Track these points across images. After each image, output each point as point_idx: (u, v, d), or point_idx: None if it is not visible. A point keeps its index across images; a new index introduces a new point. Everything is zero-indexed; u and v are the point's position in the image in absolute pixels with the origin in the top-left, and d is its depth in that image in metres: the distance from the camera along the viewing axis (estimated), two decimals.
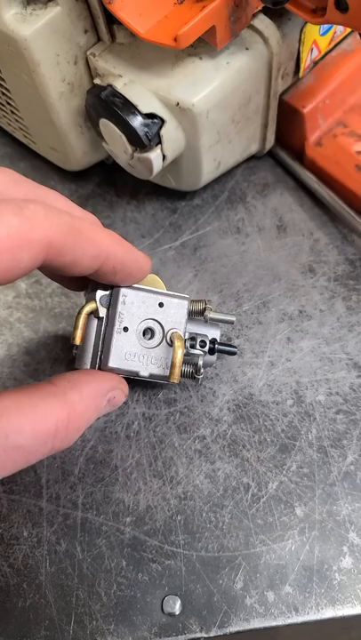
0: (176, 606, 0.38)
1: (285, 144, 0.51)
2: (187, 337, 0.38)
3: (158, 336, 0.37)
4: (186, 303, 0.38)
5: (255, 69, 0.42)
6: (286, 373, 0.44)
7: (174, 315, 0.37)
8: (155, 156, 0.41)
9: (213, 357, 0.40)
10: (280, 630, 0.38)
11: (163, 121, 0.40)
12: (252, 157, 0.51)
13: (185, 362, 0.39)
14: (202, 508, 0.41)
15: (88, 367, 0.37)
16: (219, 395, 0.44)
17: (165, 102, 0.40)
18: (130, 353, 0.36)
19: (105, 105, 0.40)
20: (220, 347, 0.41)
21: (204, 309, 0.40)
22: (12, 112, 0.47)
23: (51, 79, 0.40)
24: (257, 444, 0.42)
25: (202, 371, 0.38)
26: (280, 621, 0.38)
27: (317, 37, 0.44)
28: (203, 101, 0.39)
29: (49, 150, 0.50)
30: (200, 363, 0.38)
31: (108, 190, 0.52)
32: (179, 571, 0.39)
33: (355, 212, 0.47)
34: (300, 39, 0.43)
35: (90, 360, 0.37)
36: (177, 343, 0.35)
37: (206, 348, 0.39)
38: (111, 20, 0.39)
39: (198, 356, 0.38)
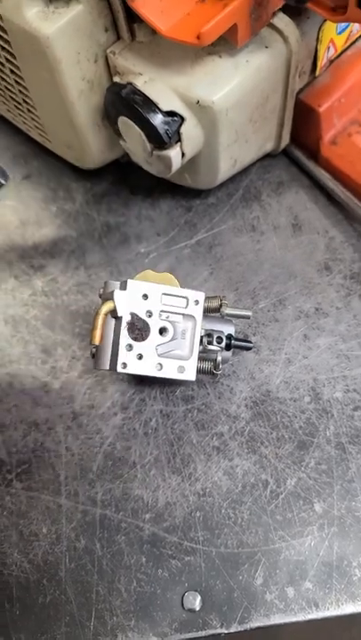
0: (196, 602, 0.38)
1: (300, 142, 0.51)
2: (203, 334, 0.39)
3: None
4: (202, 297, 0.38)
5: (274, 68, 0.42)
6: (303, 370, 0.44)
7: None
8: (174, 153, 0.41)
9: (229, 353, 0.41)
10: (282, 628, 0.38)
11: (182, 119, 0.40)
12: (267, 156, 0.51)
13: (203, 358, 0.39)
14: (221, 504, 0.41)
15: (107, 367, 0.37)
16: (236, 392, 0.44)
17: (185, 100, 0.40)
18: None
19: (125, 103, 0.40)
20: (236, 342, 0.41)
21: (220, 306, 0.40)
22: (29, 110, 0.47)
23: (71, 77, 0.40)
24: (275, 440, 0.42)
25: (220, 367, 0.39)
26: (300, 617, 0.38)
27: (334, 36, 0.44)
28: (223, 99, 0.39)
29: (64, 148, 0.50)
30: (219, 359, 0.39)
31: (123, 188, 0.52)
32: (198, 567, 0.39)
33: None
34: (317, 38, 0.43)
35: (109, 360, 0.37)
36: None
37: (223, 344, 0.40)
38: (132, 18, 0.39)
39: (216, 351, 0.39)
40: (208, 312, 0.40)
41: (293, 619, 0.38)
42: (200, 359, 0.39)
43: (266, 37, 0.41)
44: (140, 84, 0.40)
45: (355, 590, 0.38)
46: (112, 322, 0.37)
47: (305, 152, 0.51)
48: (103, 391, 0.44)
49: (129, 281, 0.37)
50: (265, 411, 0.43)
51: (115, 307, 0.36)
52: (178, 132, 0.40)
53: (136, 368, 0.36)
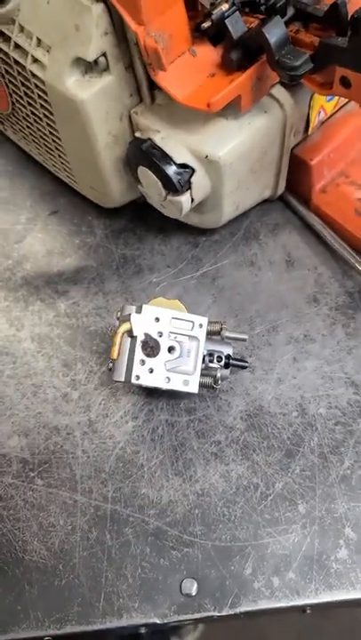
0: (193, 588, 0.43)
1: (294, 190, 0.58)
2: (205, 353, 0.45)
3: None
4: (205, 321, 0.44)
5: (272, 128, 0.48)
6: (292, 389, 0.50)
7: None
8: (185, 199, 0.47)
9: (227, 371, 0.47)
10: (271, 619, 0.43)
11: (193, 170, 0.46)
12: (266, 201, 0.58)
13: (204, 374, 0.45)
14: (217, 503, 0.46)
15: (123, 379, 0.43)
16: (233, 406, 0.49)
17: (196, 155, 0.46)
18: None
19: (145, 155, 0.46)
20: (234, 361, 0.47)
21: (221, 329, 0.46)
22: (60, 156, 0.54)
23: (99, 133, 0.47)
24: (266, 449, 0.47)
25: (220, 382, 0.45)
26: (283, 603, 0.42)
27: (324, 103, 0.51)
28: (228, 155, 0.46)
29: (89, 189, 0.56)
30: (218, 375, 0.45)
31: (139, 225, 0.59)
32: (196, 557, 0.44)
33: (354, 251, 0.54)
34: (309, 104, 0.50)
35: (124, 373, 0.43)
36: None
37: (222, 363, 0.46)
38: (152, 85, 0.46)
39: (216, 369, 0.45)
40: (210, 334, 0.46)
41: (277, 604, 0.42)
42: (202, 375, 0.45)
43: (265, 104, 0.48)
44: (157, 139, 0.46)
45: (332, 581, 0.43)
46: (128, 340, 0.44)
47: (298, 198, 0.58)
48: (117, 402, 0.50)
49: (144, 306, 0.43)
50: (258, 423, 0.48)
51: (131, 327, 0.42)
52: (189, 181, 0.47)
53: (147, 380, 0.42)
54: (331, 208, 0.56)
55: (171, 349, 0.44)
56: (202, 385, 0.45)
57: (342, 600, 0.42)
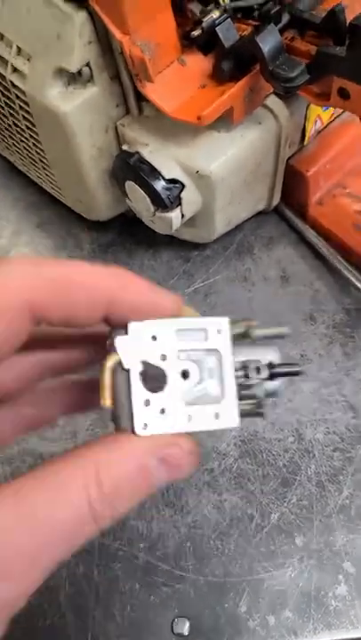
0: (185, 628, 0.41)
1: (290, 202, 0.55)
2: (237, 367, 0.31)
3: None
4: (226, 323, 0.30)
5: (266, 141, 0.46)
6: (288, 412, 0.48)
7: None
8: (175, 215, 0.45)
9: (277, 383, 0.31)
10: None
11: (183, 185, 0.44)
12: (260, 213, 0.55)
13: (243, 397, 0.31)
14: (210, 535, 0.44)
15: (129, 427, 0.29)
16: (226, 431, 0.47)
17: (186, 169, 0.44)
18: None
19: (132, 169, 0.44)
20: (280, 369, 0.32)
21: (248, 329, 0.31)
22: (44, 167, 0.52)
23: (84, 145, 0.44)
24: (261, 477, 0.45)
25: (266, 403, 0.31)
26: None
27: (320, 113, 0.49)
28: (219, 169, 0.44)
29: (75, 202, 0.54)
30: (260, 394, 0.30)
31: (128, 239, 0.56)
32: (188, 594, 0.42)
33: (352, 266, 0.52)
34: (305, 115, 0.48)
35: (130, 421, 0.29)
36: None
37: (264, 374, 0.31)
38: (139, 96, 0.43)
39: (257, 385, 0.31)
40: (236, 339, 0.32)
41: None
42: (242, 398, 0.31)
43: (259, 115, 0.45)
44: (145, 153, 0.44)
45: (330, 620, 0.41)
46: (124, 376, 0.30)
47: (294, 211, 0.55)
48: (105, 427, 0.47)
49: (131, 324, 0.30)
50: (252, 449, 0.46)
51: (120, 358, 0.30)
52: (178, 197, 0.44)
53: (160, 426, 0.28)
54: (328, 220, 0.54)
55: (185, 375, 0.31)
56: (243, 414, 0.31)
57: None
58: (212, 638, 0.41)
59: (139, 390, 0.29)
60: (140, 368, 0.29)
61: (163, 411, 0.28)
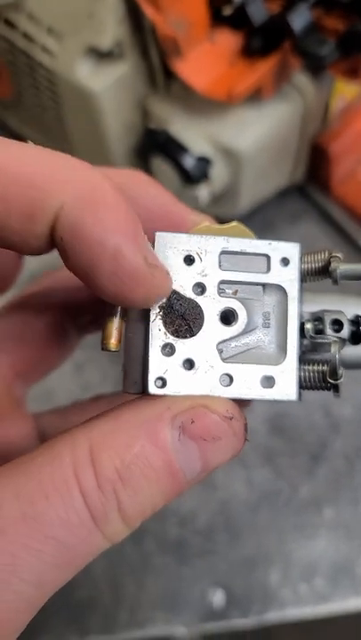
0: (219, 597, 0.44)
1: (313, 179, 0.58)
2: (306, 318, 0.24)
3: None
4: (296, 252, 0.23)
5: (292, 117, 0.48)
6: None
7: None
8: (202, 191, 0.48)
9: (358, 349, 0.24)
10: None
11: (211, 162, 0.46)
12: (283, 190, 0.58)
13: (308, 361, 0.23)
14: (240, 510, 0.47)
15: (136, 389, 0.23)
16: (254, 408, 0.50)
17: (215, 146, 0.46)
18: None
19: (160, 147, 0.46)
20: None
21: (329, 262, 0.23)
22: (68, 145, 0.54)
23: (112, 124, 0.47)
24: (289, 453, 0.48)
25: (340, 372, 0.22)
26: (310, 610, 0.44)
27: (345, 90, 0.51)
28: (248, 145, 0.46)
29: None
30: (337, 357, 0.22)
31: None
32: (220, 566, 0.45)
33: None
34: (330, 91, 0.50)
35: (140, 376, 0.23)
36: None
37: (345, 332, 0.23)
38: (169, 74, 0.46)
39: (331, 344, 0.23)
40: (310, 277, 0.24)
41: (305, 612, 0.44)
42: (308, 363, 0.23)
43: (287, 92, 0.48)
44: (174, 130, 0.46)
45: (358, 587, 0.44)
46: (139, 314, 0.23)
47: (317, 187, 0.58)
48: None
49: (157, 234, 0.22)
50: (281, 425, 0.49)
51: None
52: (207, 173, 0.47)
53: (184, 384, 0.21)
54: (350, 197, 0.56)
55: (228, 317, 0.23)
56: (306, 384, 0.23)
57: None
58: (245, 607, 0.44)
59: (157, 331, 0.22)
60: (163, 301, 0.22)
61: (190, 363, 0.22)
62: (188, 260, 0.22)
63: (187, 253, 0.22)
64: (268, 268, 0.23)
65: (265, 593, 0.44)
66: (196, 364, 0.22)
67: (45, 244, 0.19)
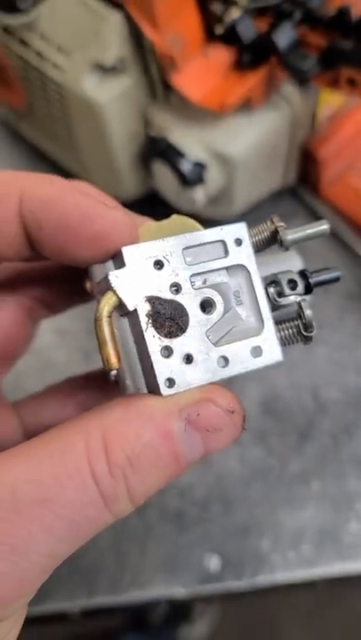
0: (215, 561, 0.49)
1: (304, 182, 0.64)
2: (266, 284, 0.26)
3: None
4: (245, 230, 0.26)
5: (281, 125, 0.54)
6: (305, 374, 0.56)
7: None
8: (198, 194, 0.53)
9: (310, 297, 0.27)
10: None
11: (207, 166, 0.52)
12: (276, 192, 0.63)
13: (280, 322, 0.26)
14: (235, 483, 0.52)
15: (143, 391, 0.26)
16: (247, 391, 0.55)
17: (209, 152, 0.52)
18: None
19: (160, 152, 0.52)
20: (320, 277, 0.28)
21: (275, 231, 0.27)
22: (75, 153, 0.60)
23: (116, 132, 0.52)
24: (280, 432, 0.54)
25: (313, 323, 0.26)
26: (298, 574, 0.49)
27: (331, 98, 0.57)
28: (240, 151, 0.52)
29: (102, 185, 0.62)
30: (307, 312, 0.26)
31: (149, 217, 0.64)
32: (216, 533, 0.50)
33: None
34: (316, 100, 0.56)
35: (144, 381, 0.26)
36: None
37: (300, 288, 0.27)
38: (167, 86, 0.51)
39: (297, 301, 0.26)
40: (259, 249, 0.27)
41: (293, 575, 0.49)
42: (279, 324, 0.27)
43: (275, 101, 0.53)
44: (172, 137, 0.52)
45: (344, 552, 0.49)
46: (125, 323, 0.26)
47: (308, 190, 0.63)
48: None
49: (124, 249, 0.24)
50: (272, 407, 0.55)
51: (119, 298, 0.24)
52: (202, 177, 0.53)
53: (190, 378, 0.24)
54: (338, 198, 0.62)
55: (205, 306, 0.25)
56: (285, 341, 0.27)
57: (354, 571, 0.49)
58: (238, 571, 0.49)
59: (152, 338, 0.23)
60: (146, 308, 0.24)
61: (189, 358, 0.24)
62: (158, 265, 0.24)
63: (155, 259, 0.24)
64: (226, 252, 0.25)
65: (257, 558, 0.49)
66: (195, 357, 0.24)
67: (17, 230, 0.24)
